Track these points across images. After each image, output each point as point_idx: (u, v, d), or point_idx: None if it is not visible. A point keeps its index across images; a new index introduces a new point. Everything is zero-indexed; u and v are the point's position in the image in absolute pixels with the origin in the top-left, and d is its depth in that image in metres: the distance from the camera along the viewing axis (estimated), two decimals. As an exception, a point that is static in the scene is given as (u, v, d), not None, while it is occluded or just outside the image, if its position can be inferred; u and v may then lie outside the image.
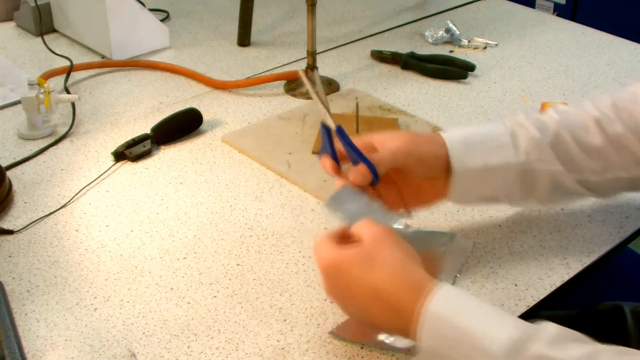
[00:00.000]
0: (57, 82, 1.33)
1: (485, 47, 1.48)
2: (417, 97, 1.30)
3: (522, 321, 0.67)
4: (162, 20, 1.59)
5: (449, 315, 0.67)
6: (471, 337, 0.65)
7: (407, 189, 0.87)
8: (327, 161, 0.85)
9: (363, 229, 0.75)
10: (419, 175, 0.85)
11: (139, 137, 1.15)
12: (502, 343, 0.64)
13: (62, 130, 1.20)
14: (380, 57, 1.43)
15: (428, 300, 0.68)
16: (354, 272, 0.72)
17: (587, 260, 0.92)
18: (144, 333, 0.82)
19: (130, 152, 1.12)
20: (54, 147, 1.17)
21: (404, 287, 0.70)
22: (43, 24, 1.51)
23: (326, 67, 1.39)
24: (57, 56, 1.42)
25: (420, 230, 0.94)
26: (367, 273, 0.72)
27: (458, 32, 1.49)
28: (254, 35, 1.53)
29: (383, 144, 0.84)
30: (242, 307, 0.85)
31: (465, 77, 1.35)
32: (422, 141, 0.85)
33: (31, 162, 1.13)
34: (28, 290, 0.88)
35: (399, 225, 0.82)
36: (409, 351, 0.77)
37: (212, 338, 0.81)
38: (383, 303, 0.71)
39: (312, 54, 1.30)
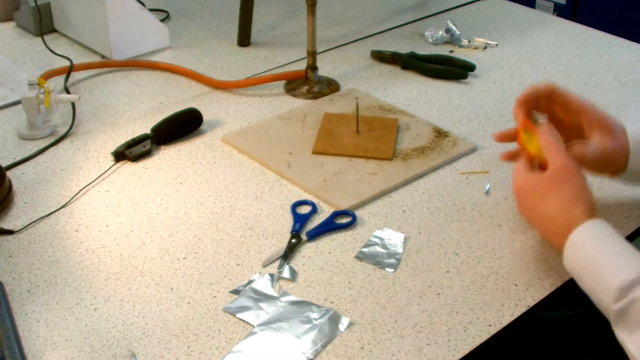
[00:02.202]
0: (57, 82, 1.33)
1: (485, 47, 1.48)
2: (417, 97, 1.30)
3: None
4: (162, 20, 1.58)
5: (586, 244, 0.83)
6: (596, 270, 0.80)
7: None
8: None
9: (550, 156, 0.89)
10: (601, 166, 0.96)
11: (139, 137, 1.15)
12: (614, 282, 0.77)
13: (62, 130, 1.20)
14: (380, 57, 1.43)
15: (574, 231, 0.84)
16: (532, 200, 0.90)
17: (587, 260, 0.92)
18: (144, 333, 0.82)
19: (130, 152, 1.12)
20: (54, 147, 1.17)
21: (560, 225, 0.86)
22: (43, 24, 1.51)
23: (326, 67, 1.39)
24: (57, 56, 1.42)
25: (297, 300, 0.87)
26: (540, 203, 0.88)
27: (458, 32, 1.49)
28: (254, 35, 1.53)
29: (590, 128, 0.94)
30: (242, 307, 0.85)
31: (465, 77, 1.35)
32: (617, 143, 0.94)
33: (31, 162, 1.13)
34: (28, 290, 0.88)
35: None
36: None
37: (212, 338, 0.81)
38: (549, 229, 0.89)
39: (312, 54, 1.30)
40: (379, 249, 0.94)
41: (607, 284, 0.78)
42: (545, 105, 0.97)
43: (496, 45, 1.48)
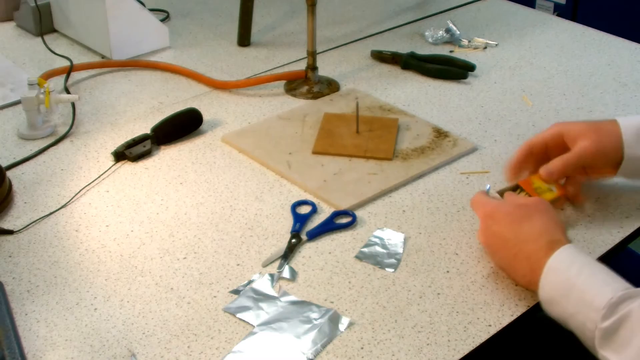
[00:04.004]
0: (57, 82, 1.33)
1: (485, 47, 1.48)
2: (417, 97, 1.30)
3: (625, 284, 0.78)
4: (162, 20, 1.59)
5: (565, 269, 0.81)
6: (579, 290, 0.78)
7: (578, 171, 1.00)
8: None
9: (523, 196, 0.94)
10: (598, 165, 0.98)
11: (139, 137, 1.15)
12: (600, 302, 0.76)
13: (62, 130, 1.20)
14: (380, 57, 1.43)
15: (552, 256, 0.82)
16: (506, 222, 0.87)
17: (587, 260, 0.92)
18: (144, 333, 0.82)
19: (130, 152, 1.12)
20: (54, 147, 1.17)
21: (541, 243, 0.84)
22: (43, 24, 1.51)
23: (326, 67, 1.39)
24: (57, 56, 1.42)
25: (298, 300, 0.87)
26: (517, 226, 0.86)
27: (458, 32, 1.49)
28: (254, 35, 1.53)
29: (573, 141, 0.96)
30: (242, 307, 0.85)
31: (465, 77, 1.35)
32: (604, 136, 0.94)
33: (31, 162, 1.13)
34: (28, 290, 0.88)
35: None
36: None
37: (212, 338, 0.81)
38: (522, 253, 0.84)
39: (312, 54, 1.30)
40: (379, 249, 0.94)
41: (593, 303, 0.76)
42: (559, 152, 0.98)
43: (496, 45, 1.48)
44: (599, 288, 0.77)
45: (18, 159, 1.13)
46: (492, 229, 0.89)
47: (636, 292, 0.76)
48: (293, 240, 0.95)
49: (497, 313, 0.84)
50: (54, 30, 1.55)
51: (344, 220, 0.99)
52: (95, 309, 0.85)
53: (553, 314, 0.82)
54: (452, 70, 1.36)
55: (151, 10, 1.51)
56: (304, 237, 0.96)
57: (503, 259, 0.88)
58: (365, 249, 0.94)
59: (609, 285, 0.78)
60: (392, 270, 0.91)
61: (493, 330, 0.82)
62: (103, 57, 1.45)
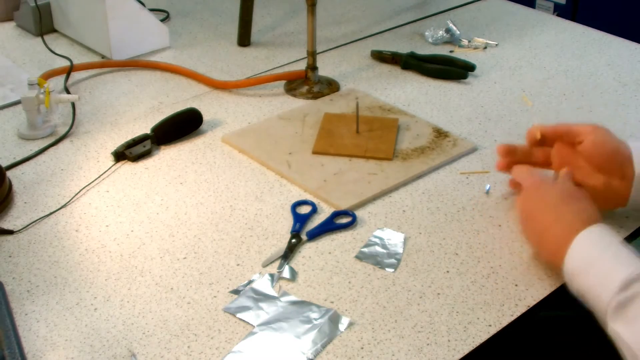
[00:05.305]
0: (57, 82, 1.33)
1: (485, 47, 1.48)
2: (417, 97, 1.30)
3: None
4: (162, 20, 1.58)
5: (593, 243, 0.84)
6: (601, 264, 0.82)
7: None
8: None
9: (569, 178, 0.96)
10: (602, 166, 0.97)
11: (139, 137, 1.15)
12: (619, 276, 0.78)
13: (62, 130, 1.20)
14: (380, 57, 1.43)
15: (586, 229, 0.85)
16: (556, 191, 0.91)
17: (587, 260, 0.92)
18: (144, 333, 0.82)
19: (130, 152, 1.12)
20: (54, 147, 1.17)
21: (582, 217, 0.87)
22: (43, 24, 1.51)
23: (326, 67, 1.39)
24: (57, 56, 1.42)
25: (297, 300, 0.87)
26: (567, 196, 0.90)
27: (458, 32, 1.49)
28: (254, 35, 1.53)
29: (582, 136, 0.96)
30: (242, 307, 0.85)
31: (465, 77, 1.35)
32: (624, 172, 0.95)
33: (31, 162, 1.13)
34: (28, 290, 0.88)
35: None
36: None
37: (212, 338, 0.81)
38: (564, 219, 0.88)
39: (312, 54, 1.30)
40: (379, 249, 0.94)
41: (611, 276, 0.79)
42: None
43: (496, 45, 1.48)
44: (620, 264, 0.80)
45: (18, 159, 1.13)
46: (539, 193, 0.93)
47: None
48: (293, 240, 0.95)
49: (497, 313, 0.84)
50: (54, 30, 1.55)
51: (344, 220, 0.99)
52: (95, 309, 0.85)
53: (573, 288, 0.84)
54: (452, 70, 1.36)
55: (151, 10, 1.51)
56: (304, 237, 0.96)
57: (538, 225, 0.91)
58: (365, 249, 0.94)
59: (631, 263, 0.80)
60: (392, 270, 0.91)
61: (493, 330, 0.82)
62: (103, 57, 1.45)
